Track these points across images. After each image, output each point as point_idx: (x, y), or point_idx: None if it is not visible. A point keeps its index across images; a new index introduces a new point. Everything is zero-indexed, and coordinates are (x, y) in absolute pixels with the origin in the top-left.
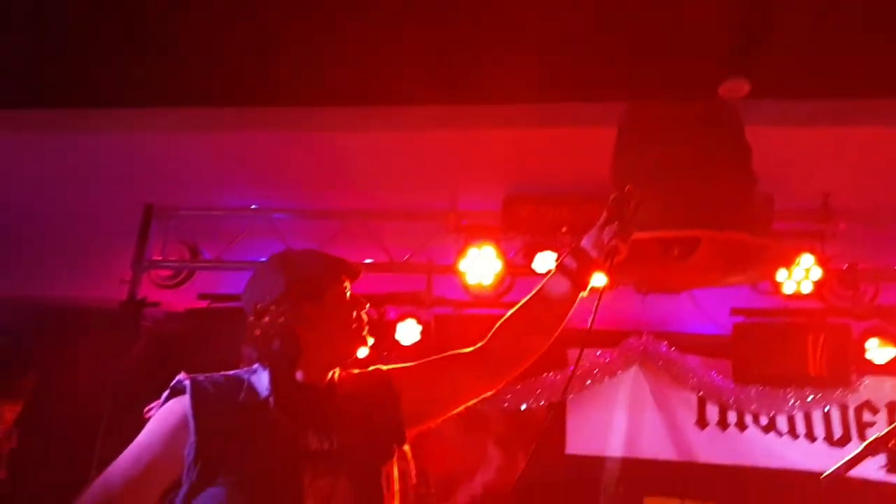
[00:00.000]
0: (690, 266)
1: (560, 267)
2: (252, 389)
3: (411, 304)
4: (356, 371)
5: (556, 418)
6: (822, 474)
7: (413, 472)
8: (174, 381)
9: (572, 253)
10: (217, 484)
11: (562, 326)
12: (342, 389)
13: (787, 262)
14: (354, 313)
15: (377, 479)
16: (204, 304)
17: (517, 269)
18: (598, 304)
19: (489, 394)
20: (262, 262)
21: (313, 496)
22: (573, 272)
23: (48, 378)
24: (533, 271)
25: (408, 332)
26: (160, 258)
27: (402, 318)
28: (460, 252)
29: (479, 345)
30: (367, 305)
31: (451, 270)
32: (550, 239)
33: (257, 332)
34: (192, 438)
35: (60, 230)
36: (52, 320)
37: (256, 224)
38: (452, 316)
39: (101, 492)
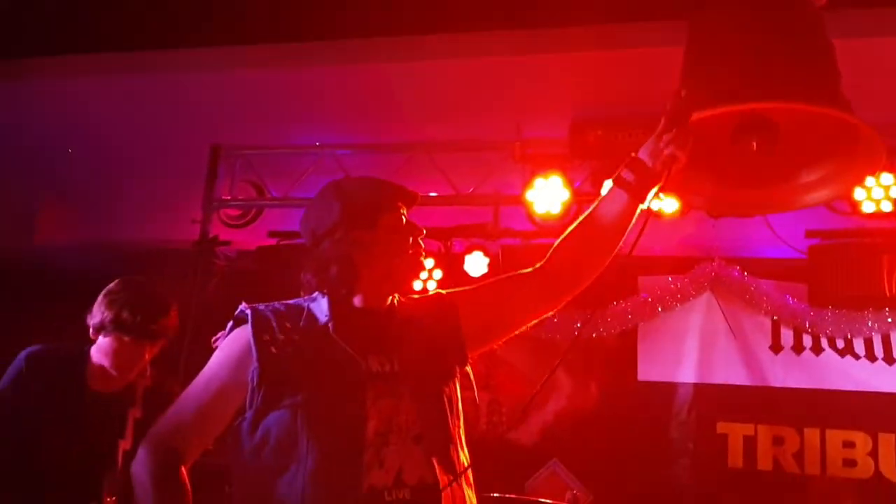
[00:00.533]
0: (770, 175)
1: (617, 180)
2: (311, 315)
3: (478, 236)
4: (417, 296)
5: (627, 346)
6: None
7: (477, 393)
8: (237, 312)
9: (629, 165)
10: (281, 407)
11: (621, 242)
12: (402, 313)
13: (879, 159)
14: (410, 239)
15: (440, 399)
16: (273, 241)
17: (585, 196)
18: (646, 222)
19: (550, 313)
20: (319, 190)
21: (376, 416)
22: (631, 185)
23: None
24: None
25: (475, 263)
26: (229, 198)
27: (469, 250)
28: (527, 182)
29: (538, 265)
30: (424, 232)
31: (518, 201)
32: (618, 165)
33: (315, 259)
34: (254, 364)
35: (129, 173)
36: (127, 262)
37: (321, 161)
38: (520, 247)
39: (174, 418)
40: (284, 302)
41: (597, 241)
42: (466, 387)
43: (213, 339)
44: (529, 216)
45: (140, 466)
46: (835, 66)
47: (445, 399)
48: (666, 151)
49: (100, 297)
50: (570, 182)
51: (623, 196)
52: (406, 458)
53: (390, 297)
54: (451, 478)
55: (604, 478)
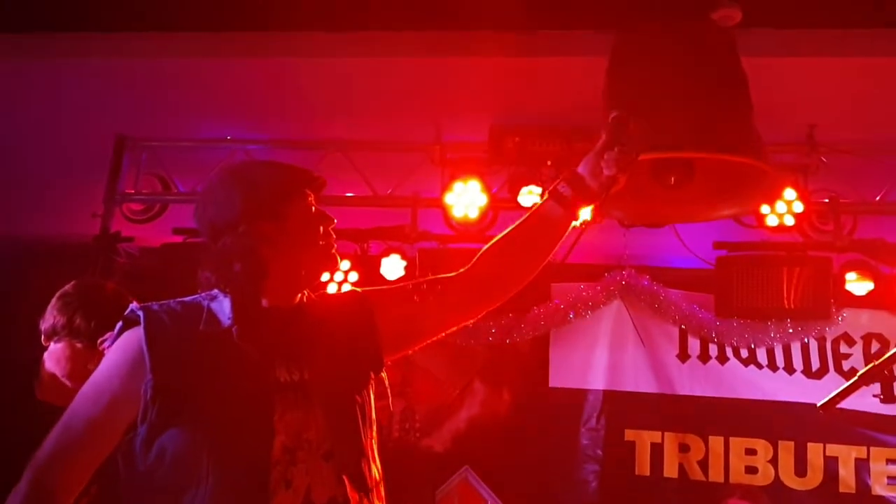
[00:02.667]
0: (682, 196)
1: (554, 193)
2: (213, 317)
3: (395, 239)
4: (329, 293)
5: (539, 352)
6: (799, 404)
7: (390, 401)
8: (127, 311)
9: (567, 180)
10: (179, 424)
11: (550, 255)
12: (313, 313)
13: (779, 191)
14: (321, 229)
15: (352, 409)
16: (179, 238)
17: (502, 202)
18: (578, 237)
19: (470, 322)
20: (214, 177)
21: (284, 431)
22: (567, 200)
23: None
24: (518, 205)
25: (392, 267)
26: (133, 191)
27: (386, 253)
28: (445, 185)
29: (462, 270)
30: (335, 221)
31: (436, 204)
32: (536, 172)
33: (215, 255)
34: (147, 376)
35: (27, 163)
36: (22, 257)
37: (232, 156)
38: (437, 250)
39: (59, 443)
40: (180, 300)
41: (526, 251)
42: (381, 395)
43: (100, 340)
44: (447, 220)
45: (13, 501)
46: (748, 100)
47: (358, 409)
48: (607, 172)
49: (52, 301)
50: (488, 187)
51: (558, 210)
52: (315, 476)
53: (299, 294)
54: (363, 494)
55: (514, 485)
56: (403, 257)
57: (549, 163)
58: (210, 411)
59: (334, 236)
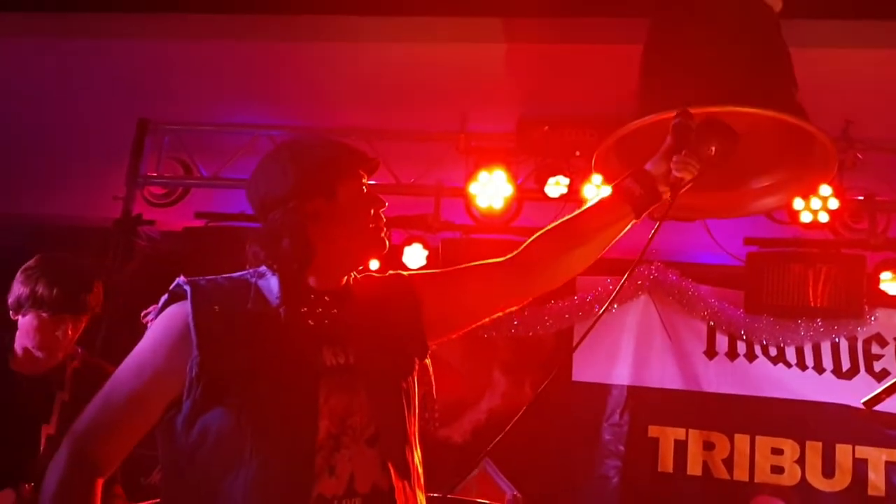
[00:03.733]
0: (721, 181)
1: (621, 189)
2: (261, 295)
3: (418, 228)
4: (375, 275)
5: (563, 346)
6: (828, 404)
7: (434, 387)
8: (173, 285)
9: (637, 177)
10: (223, 404)
11: (605, 250)
12: (359, 296)
13: (832, 169)
14: (372, 211)
15: (397, 395)
16: (200, 222)
17: (527, 193)
18: (654, 232)
19: (513, 308)
20: (270, 152)
21: (329, 416)
22: (636, 198)
23: None
24: (544, 195)
25: (414, 256)
26: (155, 175)
27: (408, 242)
28: (470, 175)
29: (510, 256)
30: (386, 204)
31: (460, 194)
32: (563, 163)
33: (264, 230)
34: (194, 353)
35: (50, 146)
36: (44, 239)
37: (255, 141)
38: (460, 240)
39: (99, 415)
40: (227, 276)
41: (584, 244)
42: (424, 381)
43: (143, 313)
44: (470, 210)
45: (53, 474)
46: (792, 74)
47: (403, 395)
48: (676, 174)
49: (17, 275)
50: (514, 177)
51: (623, 206)
52: (359, 463)
53: (346, 277)
54: (406, 482)
55: (534, 478)
56: (425, 247)
57: (577, 153)
58: (256, 393)
59: (384, 219)
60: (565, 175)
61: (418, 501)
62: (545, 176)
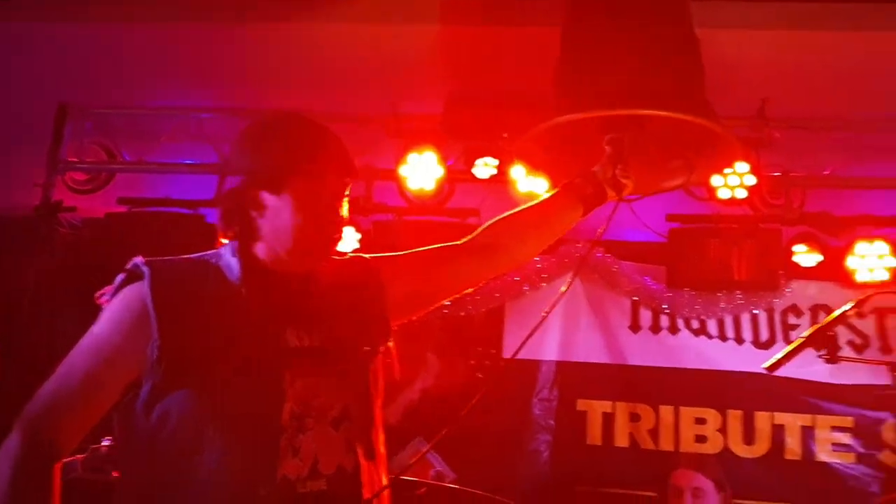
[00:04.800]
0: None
1: (574, 188)
2: (221, 276)
3: (350, 211)
4: (338, 258)
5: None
6: (748, 374)
7: (397, 369)
8: (129, 265)
9: (587, 179)
10: (185, 386)
11: (556, 239)
12: (323, 278)
13: (735, 156)
14: (319, 219)
15: (363, 377)
16: (123, 208)
17: (457, 174)
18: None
19: (469, 290)
20: (252, 125)
21: (293, 397)
22: (587, 197)
23: None
24: (474, 177)
25: (346, 239)
26: (76, 160)
27: None
28: (400, 157)
29: (468, 238)
30: (344, 216)
31: (392, 176)
32: (491, 144)
33: (223, 207)
34: (154, 335)
35: None
36: None
37: (181, 124)
38: (392, 222)
39: (54, 396)
40: (186, 257)
41: (538, 233)
42: (388, 364)
43: (98, 293)
44: (403, 192)
45: (5, 460)
46: (700, 64)
47: (370, 377)
48: (622, 180)
49: None
50: (444, 159)
51: (575, 203)
52: (323, 444)
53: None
54: (372, 463)
55: (466, 455)
56: (358, 230)
57: (505, 135)
58: (218, 374)
59: (339, 227)
60: (493, 156)
61: (383, 483)
62: (474, 157)
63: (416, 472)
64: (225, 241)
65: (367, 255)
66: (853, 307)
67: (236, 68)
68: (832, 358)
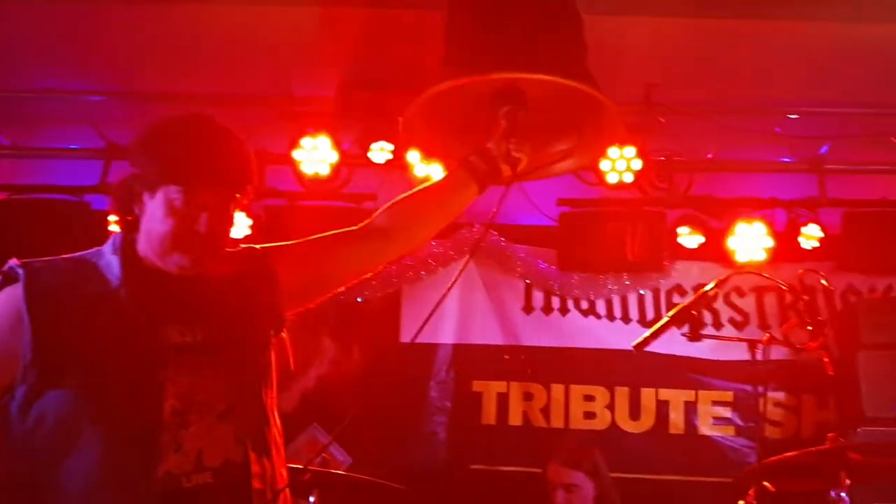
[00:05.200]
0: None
1: (466, 165)
2: (101, 275)
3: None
4: (228, 251)
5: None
6: (632, 353)
7: (292, 359)
8: (5, 267)
9: (481, 155)
10: (61, 386)
11: (454, 218)
12: (209, 273)
13: (619, 133)
14: (172, 234)
15: (251, 369)
16: (3, 195)
17: (353, 158)
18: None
19: (368, 275)
20: (157, 122)
21: (174, 394)
22: (480, 174)
23: None
24: (370, 161)
25: (237, 225)
26: None
27: None
28: (294, 141)
29: (364, 224)
30: (201, 229)
31: (284, 160)
32: (387, 128)
33: (113, 196)
34: (27, 336)
35: None
36: None
37: (64, 108)
38: (284, 207)
39: None
40: (66, 257)
41: (436, 214)
42: (281, 355)
43: None
44: (298, 177)
45: None
46: (582, 40)
47: (259, 369)
48: (515, 154)
49: None
50: (338, 143)
51: (469, 182)
52: (208, 438)
53: None
54: (264, 455)
55: (363, 440)
56: (249, 215)
57: (401, 118)
58: (95, 374)
59: (203, 242)
60: (389, 141)
61: (277, 474)
62: (369, 141)
63: (309, 456)
64: (115, 228)
65: (259, 245)
66: (713, 287)
67: (122, 51)
68: (694, 336)
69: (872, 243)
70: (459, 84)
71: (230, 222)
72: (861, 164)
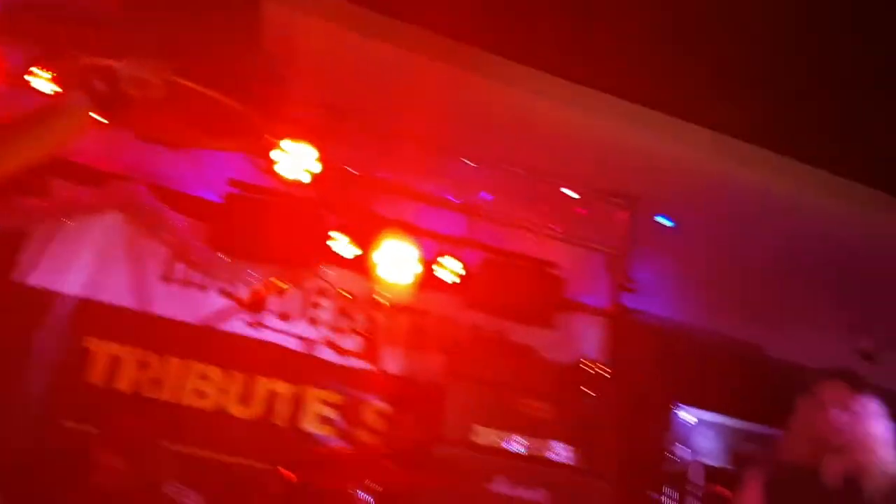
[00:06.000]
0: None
1: (86, 85)
2: None
3: None
4: None
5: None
6: (259, 341)
7: None
8: None
9: (104, 76)
10: None
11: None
12: None
13: (256, 137)
14: None
15: None
16: None
17: (14, 80)
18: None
19: None
20: None
21: None
22: (101, 96)
23: None
24: (30, 86)
25: None
26: None
27: None
28: None
29: None
30: None
31: None
32: (51, 56)
33: None
34: None
35: None
36: None
37: None
38: None
39: None
40: None
41: (39, 138)
42: None
43: None
44: None
45: None
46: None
47: None
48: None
49: None
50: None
51: (85, 102)
52: None
53: None
54: None
55: None
56: None
57: (108, 63)
58: None
59: None
60: (50, 69)
61: None
62: (30, 66)
63: None
64: None
65: None
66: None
67: None
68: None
69: (499, 289)
70: None
71: None
72: (509, 218)
